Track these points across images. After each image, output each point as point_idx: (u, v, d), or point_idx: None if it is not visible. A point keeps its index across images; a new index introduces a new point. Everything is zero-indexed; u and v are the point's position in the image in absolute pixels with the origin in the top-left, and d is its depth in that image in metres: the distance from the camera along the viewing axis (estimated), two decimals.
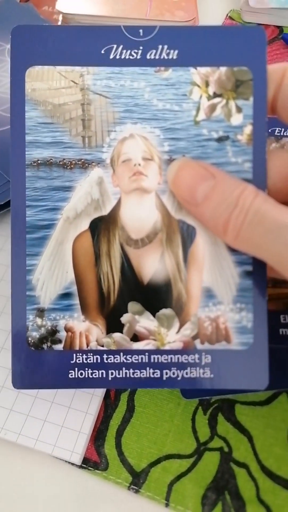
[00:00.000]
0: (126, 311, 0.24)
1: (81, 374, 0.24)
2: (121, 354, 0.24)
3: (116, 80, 0.24)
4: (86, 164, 0.24)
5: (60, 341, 0.24)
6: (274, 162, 0.24)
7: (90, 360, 0.24)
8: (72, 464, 0.27)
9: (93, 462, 0.27)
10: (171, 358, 0.24)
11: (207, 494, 0.26)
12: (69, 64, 0.24)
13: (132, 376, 0.24)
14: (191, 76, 0.24)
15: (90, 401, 0.28)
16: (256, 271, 0.24)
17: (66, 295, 0.24)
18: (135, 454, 0.27)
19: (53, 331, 0.24)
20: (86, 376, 0.24)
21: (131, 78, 0.24)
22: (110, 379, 0.24)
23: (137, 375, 0.24)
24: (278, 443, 0.27)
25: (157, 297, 0.24)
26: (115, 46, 0.24)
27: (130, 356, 0.24)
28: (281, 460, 0.27)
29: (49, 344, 0.24)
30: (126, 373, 0.24)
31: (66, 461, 0.27)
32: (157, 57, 0.24)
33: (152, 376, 0.24)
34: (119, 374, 0.24)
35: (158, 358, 0.24)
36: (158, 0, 0.45)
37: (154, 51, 0.24)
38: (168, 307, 0.24)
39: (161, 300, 0.24)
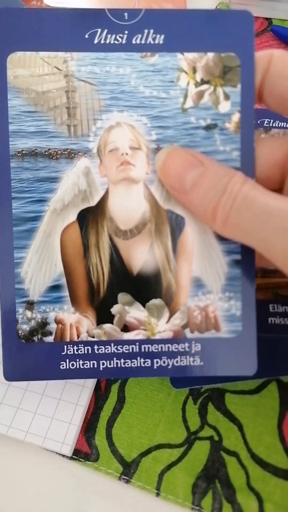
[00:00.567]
0: (116, 302, 0.24)
1: (73, 365, 0.24)
2: (112, 344, 0.24)
3: (101, 66, 0.23)
4: (72, 154, 0.23)
5: (50, 333, 0.24)
6: (262, 150, 0.23)
7: (81, 351, 0.24)
8: (63, 455, 0.27)
9: (83, 453, 0.28)
10: (161, 347, 0.24)
11: (198, 483, 0.26)
12: (52, 49, 0.23)
13: (123, 366, 0.24)
14: (178, 62, 0.23)
15: (80, 392, 0.28)
16: (245, 260, 0.24)
17: (55, 288, 0.24)
18: (125, 445, 0.28)
19: (43, 324, 0.24)
20: (78, 367, 0.24)
21: (116, 64, 0.23)
22: (101, 369, 0.24)
23: (128, 364, 0.24)
24: (267, 431, 0.28)
25: (146, 287, 0.24)
26: (99, 30, 0.23)
27: (121, 346, 0.24)
28: (271, 448, 0.27)
29: (39, 336, 0.24)
30: (117, 363, 0.24)
31: (56, 453, 0.27)
32: (143, 41, 0.23)
33: (143, 365, 0.24)
34: (110, 364, 0.24)
35: (148, 347, 0.24)
36: None
37: (140, 35, 0.23)
38: (158, 297, 0.24)
39: (151, 291, 0.24)
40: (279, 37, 0.47)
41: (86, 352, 0.24)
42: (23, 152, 0.23)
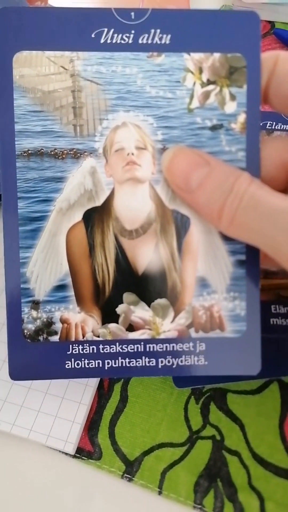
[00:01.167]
0: (121, 302, 0.24)
1: (78, 364, 0.24)
2: (117, 344, 0.24)
3: (107, 66, 0.23)
4: (78, 154, 0.23)
5: (56, 333, 0.24)
6: (267, 151, 0.24)
7: (86, 351, 0.24)
8: (66, 454, 0.28)
9: (86, 451, 0.28)
10: (166, 346, 0.24)
11: (200, 482, 0.27)
12: (59, 48, 0.23)
13: (128, 365, 0.24)
14: (185, 62, 0.23)
15: (83, 391, 0.28)
16: (249, 260, 0.24)
17: (61, 287, 0.24)
18: (128, 443, 0.28)
19: (49, 323, 0.24)
20: (83, 366, 0.24)
21: (123, 63, 0.23)
22: (106, 368, 0.24)
23: (133, 364, 0.24)
24: (269, 431, 0.28)
25: (152, 287, 0.24)
26: (106, 29, 0.23)
27: (126, 345, 0.24)
28: (272, 447, 0.27)
29: (45, 336, 0.24)
30: (122, 362, 0.24)
31: (59, 451, 0.28)
32: (149, 41, 0.23)
33: (148, 364, 0.24)
34: (115, 364, 0.24)
35: (153, 347, 0.24)
36: None
37: (147, 35, 0.23)
38: (163, 297, 0.24)
39: (156, 290, 0.24)
40: (281, 40, 0.47)
41: (91, 351, 0.24)
42: (29, 151, 0.23)
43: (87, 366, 0.24)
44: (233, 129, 0.23)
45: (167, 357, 0.24)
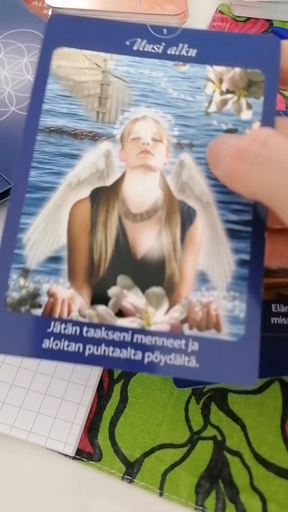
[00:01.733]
0: (115, 284, 0.23)
1: (56, 345, 0.22)
2: (103, 328, 0.22)
3: (136, 68, 0.25)
4: (97, 137, 0.24)
5: (39, 306, 0.22)
6: None
7: (68, 331, 0.22)
8: (66, 455, 0.27)
9: (86, 453, 0.27)
10: (155, 340, 0.22)
11: (201, 483, 0.26)
12: (95, 49, 0.25)
13: (111, 355, 0.22)
14: (207, 73, 0.25)
15: (83, 392, 0.27)
16: (253, 260, 0.23)
17: (54, 259, 0.23)
18: (128, 445, 0.27)
19: (34, 295, 0.23)
20: (61, 348, 0.22)
21: (150, 68, 0.25)
22: (86, 355, 0.22)
23: (116, 354, 0.22)
24: (270, 431, 0.27)
25: (149, 273, 0.23)
26: (139, 39, 0.25)
27: (112, 332, 0.22)
28: (274, 447, 0.26)
29: (27, 307, 0.22)
30: (105, 350, 0.22)
31: (59, 453, 0.27)
32: (177, 53, 0.25)
33: (132, 357, 0.22)
34: (97, 351, 0.22)
35: (141, 338, 0.22)
36: None
37: (175, 48, 0.25)
38: (159, 285, 0.23)
39: (153, 277, 0.23)
40: (280, 38, 0.49)
41: (73, 333, 0.22)
42: (51, 128, 0.24)
43: (66, 349, 0.22)
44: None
45: (155, 352, 0.22)
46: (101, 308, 0.23)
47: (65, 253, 0.23)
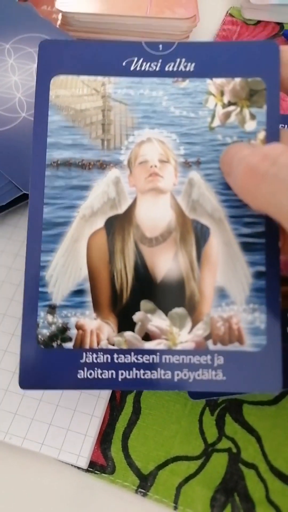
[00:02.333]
0: (139, 309, 0.24)
1: (90, 374, 0.23)
2: (132, 353, 0.23)
3: (135, 89, 0.25)
4: (104, 165, 0.25)
5: (70, 339, 0.24)
6: None
7: (100, 360, 0.23)
8: (78, 468, 0.27)
9: (99, 465, 0.27)
10: (182, 358, 0.23)
11: (216, 496, 0.26)
12: (92, 74, 0.25)
13: (142, 377, 0.23)
14: (207, 86, 0.25)
15: (95, 403, 0.27)
16: (269, 271, 0.24)
17: (78, 292, 0.24)
18: (142, 457, 0.27)
19: (64, 329, 0.24)
20: (96, 376, 0.23)
21: (150, 87, 0.25)
22: (120, 379, 0.23)
23: (147, 376, 0.23)
24: (287, 443, 0.27)
25: (170, 295, 0.24)
26: (135, 59, 0.25)
27: (141, 356, 0.23)
28: None
29: (59, 342, 0.24)
30: (136, 373, 0.23)
31: (72, 465, 0.27)
32: (175, 69, 0.25)
33: (163, 377, 0.23)
34: (129, 375, 0.23)
35: (169, 358, 0.23)
36: None
37: (173, 63, 0.25)
38: (180, 306, 0.24)
39: (174, 299, 0.24)
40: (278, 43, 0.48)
41: (105, 360, 0.23)
42: (58, 162, 0.25)
43: (100, 377, 0.23)
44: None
45: (183, 370, 0.23)
46: (128, 334, 0.24)
47: (87, 285, 0.24)
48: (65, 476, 0.27)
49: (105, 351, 0.23)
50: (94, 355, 0.23)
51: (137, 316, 0.24)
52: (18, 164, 0.36)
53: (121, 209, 0.24)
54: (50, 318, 0.24)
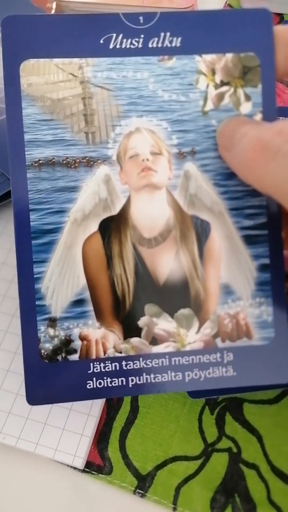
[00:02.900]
0: (143, 314, 0.23)
1: (100, 383, 0.23)
2: (141, 359, 0.23)
3: (117, 71, 0.22)
4: (91, 162, 0.23)
5: (75, 351, 0.23)
6: None
7: (108, 368, 0.23)
8: (75, 468, 0.26)
9: (96, 466, 0.26)
10: (192, 359, 0.23)
11: (216, 497, 0.25)
12: (67, 56, 0.22)
13: (153, 381, 0.23)
14: (197, 64, 0.23)
15: (92, 402, 0.27)
16: (274, 263, 0.23)
17: (78, 302, 0.23)
18: (140, 457, 0.26)
19: (67, 341, 0.23)
20: (106, 385, 0.23)
21: (133, 68, 0.22)
22: (130, 386, 0.23)
23: (158, 379, 0.23)
24: None
25: (174, 297, 0.23)
26: (114, 35, 0.22)
27: (150, 360, 0.23)
28: None
29: (63, 355, 0.23)
30: (147, 378, 0.23)
31: (68, 465, 0.26)
32: (159, 45, 0.22)
33: (174, 379, 0.23)
34: (140, 380, 0.23)
35: (179, 360, 0.23)
36: None
37: (156, 39, 0.22)
38: (186, 306, 0.23)
39: (179, 300, 0.23)
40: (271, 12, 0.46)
41: (114, 368, 0.23)
42: (40, 161, 0.22)
43: (110, 385, 0.23)
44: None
45: (194, 370, 0.23)
46: (135, 340, 0.23)
47: (87, 294, 0.23)
48: (61, 477, 0.26)
49: (113, 359, 0.23)
50: (102, 364, 0.23)
51: (142, 321, 0.23)
52: None
53: (115, 210, 0.23)
54: (51, 331, 0.23)
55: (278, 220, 0.23)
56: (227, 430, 0.27)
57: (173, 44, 0.22)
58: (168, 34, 0.22)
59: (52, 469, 0.26)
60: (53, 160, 0.22)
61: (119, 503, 0.26)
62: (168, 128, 0.23)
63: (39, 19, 0.22)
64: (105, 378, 0.23)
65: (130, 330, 0.23)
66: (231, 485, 0.26)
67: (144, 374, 0.23)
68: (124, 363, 0.23)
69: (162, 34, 0.22)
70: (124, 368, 0.23)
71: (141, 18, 0.22)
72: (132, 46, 0.22)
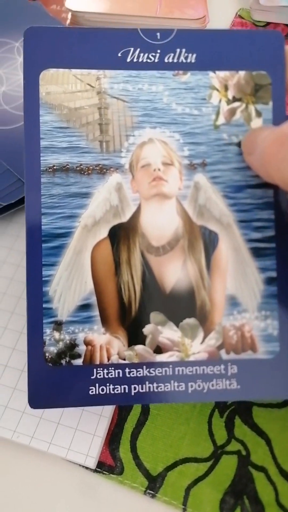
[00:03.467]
0: (149, 322, 0.23)
1: (102, 390, 0.23)
2: (144, 367, 0.23)
3: (133, 84, 0.23)
4: (104, 170, 0.23)
5: (79, 356, 0.23)
6: None
7: (111, 375, 0.23)
8: (87, 468, 0.26)
9: (108, 466, 0.26)
10: (196, 369, 0.23)
11: (226, 499, 0.25)
12: (85, 67, 0.23)
13: (156, 390, 0.23)
14: (210, 80, 0.23)
15: None
16: (281, 277, 0.23)
17: (85, 307, 0.23)
18: (150, 458, 0.27)
19: (72, 345, 0.23)
20: (108, 392, 0.23)
21: (149, 81, 0.23)
22: (133, 394, 0.23)
23: (161, 389, 0.23)
24: None
25: (180, 306, 0.23)
26: (132, 49, 0.23)
27: (153, 369, 0.23)
28: None
29: (67, 359, 0.23)
30: (149, 387, 0.23)
31: (80, 465, 0.26)
32: (175, 60, 0.23)
33: (176, 389, 0.23)
34: (142, 389, 0.23)
35: (182, 370, 0.23)
36: None
37: (172, 54, 0.23)
38: (191, 316, 0.23)
39: (184, 309, 0.23)
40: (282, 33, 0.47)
41: (117, 375, 0.23)
42: (54, 167, 0.23)
43: (112, 392, 0.23)
44: None
45: (197, 381, 0.23)
46: (139, 347, 0.23)
47: (94, 299, 0.23)
48: (73, 476, 0.26)
49: (117, 366, 0.23)
50: (105, 371, 0.23)
51: (147, 329, 0.23)
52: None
53: (125, 217, 0.23)
54: (57, 335, 0.23)
55: (286, 234, 0.23)
56: (236, 433, 0.27)
57: (188, 60, 0.23)
58: (183, 50, 0.23)
59: (65, 468, 0.26)
60: (67, 166, 0.23)
61: (129, 503, 0.26)
62: (180, 140, 0.23)
63: (60, 31, 0.23)
64: (107, 384, 0.23)
65: (135, 337, 0.23)
66: (240, 487, 0.26)
67: (147, 382, 0.23)
68: (127, 370, 0.23)
69: (178, 50, 0.23)
70: (127, 375, 0.23)
71: (158, 34, 0.23)
72: (148, 60, 0.23)
